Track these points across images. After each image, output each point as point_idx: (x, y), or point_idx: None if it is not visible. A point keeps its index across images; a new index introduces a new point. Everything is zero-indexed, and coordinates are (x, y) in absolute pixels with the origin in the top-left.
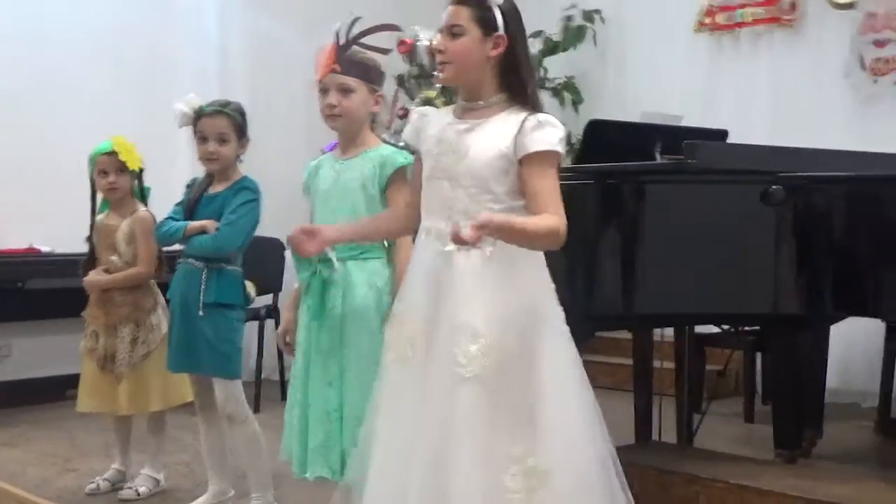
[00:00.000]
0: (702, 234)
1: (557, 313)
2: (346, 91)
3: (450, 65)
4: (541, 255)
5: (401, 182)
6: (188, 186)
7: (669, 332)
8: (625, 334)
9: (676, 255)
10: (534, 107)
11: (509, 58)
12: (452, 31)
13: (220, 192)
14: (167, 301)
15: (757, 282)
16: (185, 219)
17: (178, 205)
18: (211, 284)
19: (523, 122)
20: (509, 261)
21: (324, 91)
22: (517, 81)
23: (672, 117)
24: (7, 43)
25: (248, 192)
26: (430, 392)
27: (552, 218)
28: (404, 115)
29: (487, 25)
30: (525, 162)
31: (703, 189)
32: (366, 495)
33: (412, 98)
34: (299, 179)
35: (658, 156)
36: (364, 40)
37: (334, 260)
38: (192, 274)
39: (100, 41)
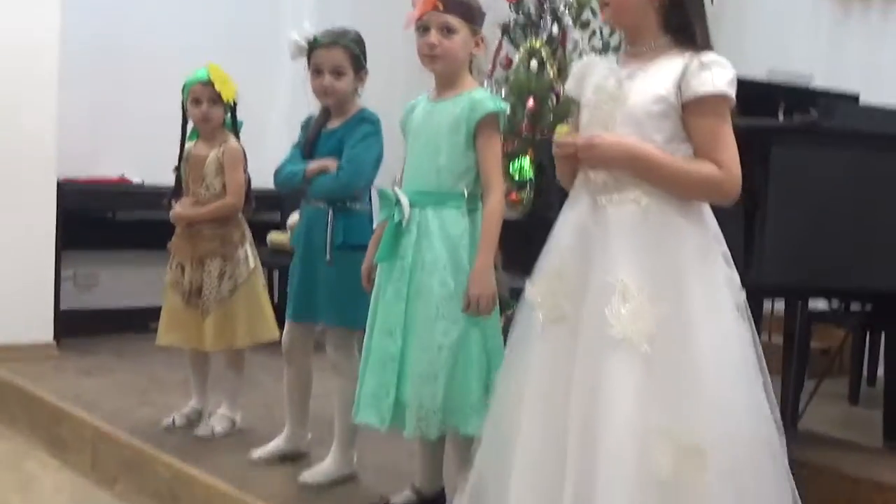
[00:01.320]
0: (830, 201)
1: (724, 278)
2: (448, 30)
3: (608, 6)
4: (706, 213)
5: (491, 129)
6: (303, 126)
7: (779, 307)
8: None
9: (801, 223)
10: (705, 48)
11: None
12: None
13: (339, 127)
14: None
15: (888, 255)
16: (305, 158)
17: (294, 146)
18: (338, 226)
19: (687, 64)
20: (667, 216)
21: (424, 29)
22: (683, 22)
23: (801, 76)
24: None
25: (367, 125)
26: (580, 356)
27: (708, 166)
28: (508, 65)
29: None
30: (689, 107)
31: (836, 153)
32: (515, 464)
33: (517, 48)
34: (395, 118)
35: (781, 116)
36: None
37: (404, 204)
38: (318, 216)
39: None
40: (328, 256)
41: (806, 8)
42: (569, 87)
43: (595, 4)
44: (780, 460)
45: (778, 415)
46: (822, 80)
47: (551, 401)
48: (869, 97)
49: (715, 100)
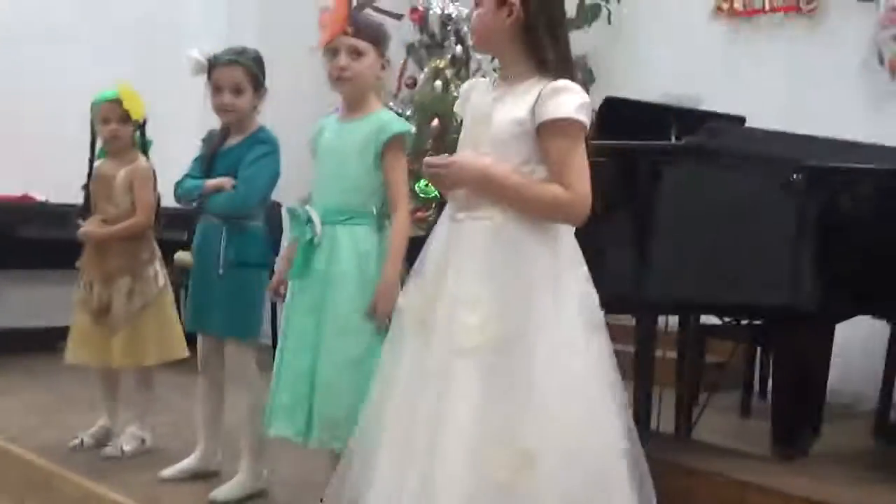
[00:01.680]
0: (717, 220)
1: (576, 297)
2: (356, 53)
3: (475, 35)
4: (561, 234)
5: (397, 149)
6: (204, 140)
7: (672, 321)
8: (626, 320)
9: (689, 241)
10: (561, 74)
11: (526, 26)
12: (475, 1)
13: (237, 145)
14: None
15: (772, 274)
16: (203, 173)
17: (195, 160)
18: (231, 242)
19: (541, 90)
20: (519, 235)
21: (333, 52)
22: (537, 49)
23: (692, 98)
24: None
25: (263, 146)
26: (430, 362)
27: (556, 189)
28: (412, 84)
29: None
30: (540, 131)
31: (722, 174)
32: (374, 470)
33: (421, 67)
34: (301, 136)
35: (673, 137)
36: (377, 4)
37: (316, 222)
38: (212, 230)
39: None
40: (220, 271)
41: (700, 30)
42: (457, 106)
43: None
44: (626, 469)
45: (632, 424)
46: (716, 101)
47: (407, 405)
48: (754, 118)
49: (563, 124)
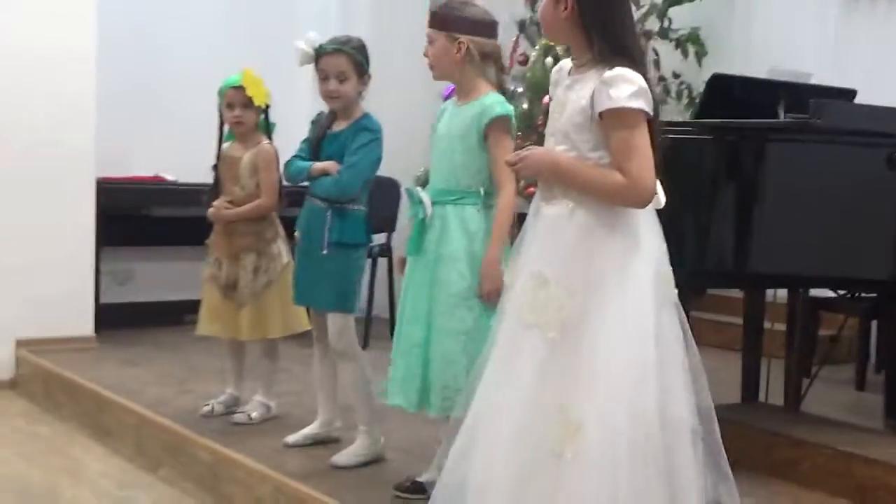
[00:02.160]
0: (822, 195)
1: (644, 278)
2: (430, 42)
3: (543, 27)
4: (635, 217)
5: (499, 132)
6: (313, 122)
7: (782, 294)
8: (736, 293)
9: (794, 216)
10: (619, 62)
11: (585, 19)
12: None
13: (343, 130)
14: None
15: (875, 247)
16: (311, 156)
17: (303, 141)
18: (334, 225)
19: (599, 79)
20: (590, 219)
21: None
22: (593, 40)
23: (801, 74)
24: None
25: (367, 133)
26: (502, 335)
27: (616, 176)
28: (524, 61)
29: None
30: (601, 119)
31: (827, 149)
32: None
33: (533, 45)
34: (417, 120)
35: (781, 114)
36: None
37: (426, 203)
38: (317, 213)
39: None
40: (324, 251)
41: (813, 5)
42: (550, 90)
43: None
44: (691, 447)
45: (708, 403)
46: (828, 76)
47: (493, 377)
48: (872, 93)
49: (617, 113)
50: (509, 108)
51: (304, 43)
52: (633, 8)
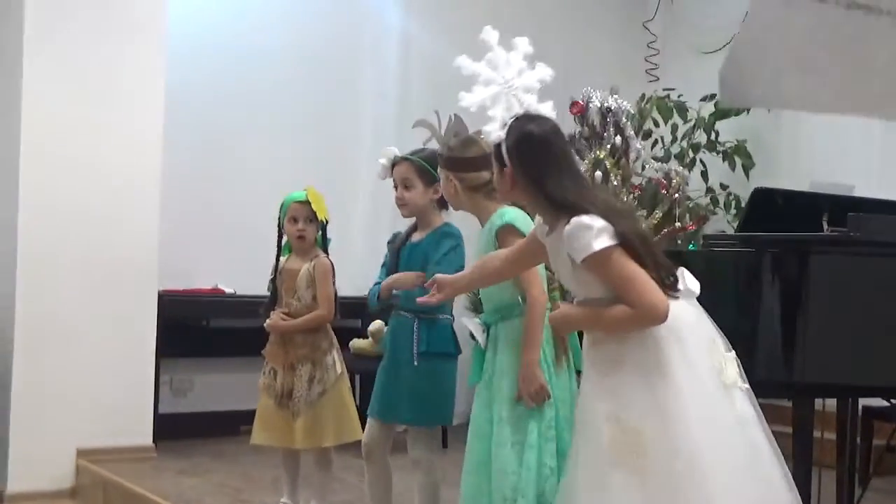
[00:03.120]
0: (865, 305)
1: (705, 365)
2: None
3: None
4: (675, 322)
5: (509, 238)
6: (389, 243)
7: (831, 403)
8: (785, 402)
9: (839, 326)
10: (569, 212)
11: (524, 184)
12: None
13: (422, 240)
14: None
15: None
16: (391, 268)
17: (382, 266)
18: (422, 335)
19: (563, 236)
20: (636, 345)
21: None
22: (547, 201)
23: (843, 187)
24: (200, 88)
25: (449, 240)
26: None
27: (625, 309)
28: None
29: (499, 162)
30: (585, 268)
31: (867, 261)
32: None
33: (582, 159)
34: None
35: (825, 225)
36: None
37: (477, 334)
38: (404, 324)
39: (284, 90)
40: (416, 363)
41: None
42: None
43: (657, 114)
44: None
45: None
46: (873, 188)
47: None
48: None
49: (591, 259)
50: (508, 217)
51: (384, 157)
52: (681, 121)
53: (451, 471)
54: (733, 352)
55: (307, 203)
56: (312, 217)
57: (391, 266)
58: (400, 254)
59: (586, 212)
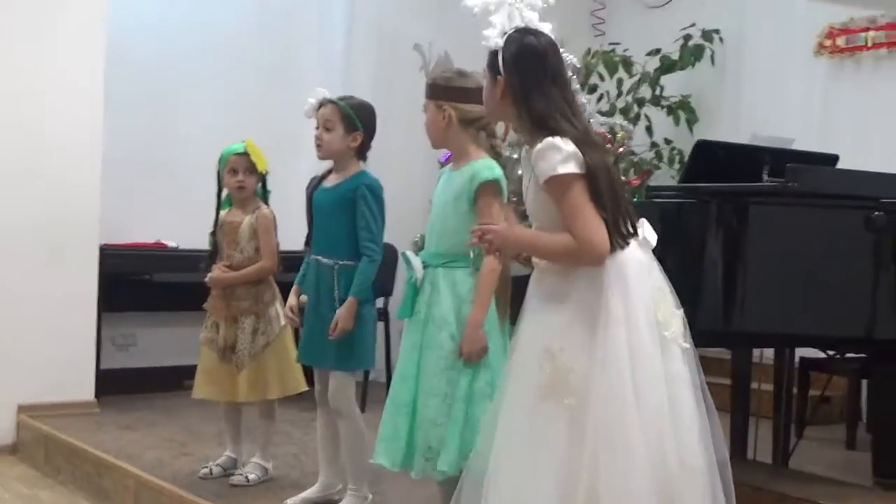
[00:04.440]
0: (804, 256)
1: (643, 321)
2: (425, 111)
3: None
4: (623, 268)
5: (488, 196)
6: (307, 187)
7: (769, 354)
8: (724, 354)
9: (777, 276)
10: (549, 131)
11: (516, 97)
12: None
13: (337, 185)
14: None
15: (853, 306)
16: (307, 212)
17: None
18: (342, 282)
19: (533, 154)
20: (581, 282)
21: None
22: (530, 116)
23: (783, 140)
24: (141, 45)
25: (367, 199)
26: (516, 409)
27: (564, 238)
28: None
29: (493, 70)
30: (545, 190)
31: (805, 212)
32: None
33: None
34: (416, 186)
35: (765, 178)
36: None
37: (416, 266)
38: (325, 271)
39: (228, 45)
40: (336, 305)
41: (802, 68)
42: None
43: (602, 69)
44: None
45: (722, 450)
46: (814, 141)
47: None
48: (856, 158)
49: (553, 181)
50: (498, 173)
51: (313, 97)
52: (626, 76)
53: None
54: (682, 310)
55: (246, 154)
56: (252, 168)
57: (307, 211)
58: (313, 198)
59: (563, 134)
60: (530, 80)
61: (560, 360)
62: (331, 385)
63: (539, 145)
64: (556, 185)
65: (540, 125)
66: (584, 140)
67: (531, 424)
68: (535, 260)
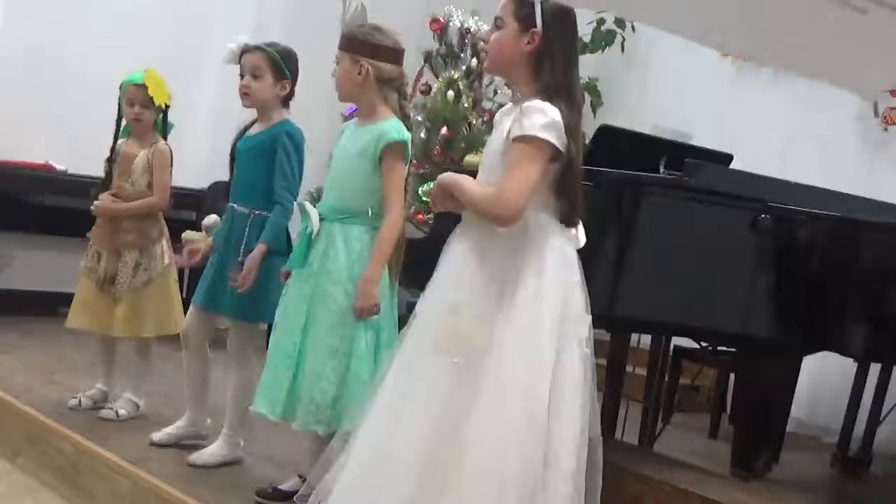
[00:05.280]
0: (690, 250)
1: (550, 316)
2: (338, 62)
3: (490, 57)
4: (544, 257)
5: (394, 157)
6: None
7: (646, 339)
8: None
9: (662, 266)
10: (557, 98)
11: (543, 54)
12: (496, 23)
13: (261, 133)
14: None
15: (730, 302)
16: (230, 161)
17: None
18: (254, 231)
19: (519, 108)
20: (502, 254)
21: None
22: (545, 75)
23: (681, 134)
24: None
25: (287, 148)
26: (405, 362)
27: (489, 191)
28: (427, 91)
29: (526, 21)
30: (509, 145)
31: (698, 208)
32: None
33: (437, 76)
34: (316, 137)
35: (662, 169)
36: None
37: (313, 218)
38: (239, 219)
39: None
40: (240, 257)
41: (707, 68)
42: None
43: None
44: (569, 471)
45: (596, 432)
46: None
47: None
48: (749, 160)
49: (525, 139)
50: (406, 135)
51: (234, 43)
52: None
53: None
54: (590, 316)
55: (143, 87)
56: (149, 102)
57: (230, 163)
58: (237, 146)
59: (557, 108)
60: (570, 44)
61: (462, 317)
62: (233, 335)
63: (529, 103)
64: (521, 144)
65: (542, 89)
66: (570, 124)
67: (417, 374)
68: (464, 213)
